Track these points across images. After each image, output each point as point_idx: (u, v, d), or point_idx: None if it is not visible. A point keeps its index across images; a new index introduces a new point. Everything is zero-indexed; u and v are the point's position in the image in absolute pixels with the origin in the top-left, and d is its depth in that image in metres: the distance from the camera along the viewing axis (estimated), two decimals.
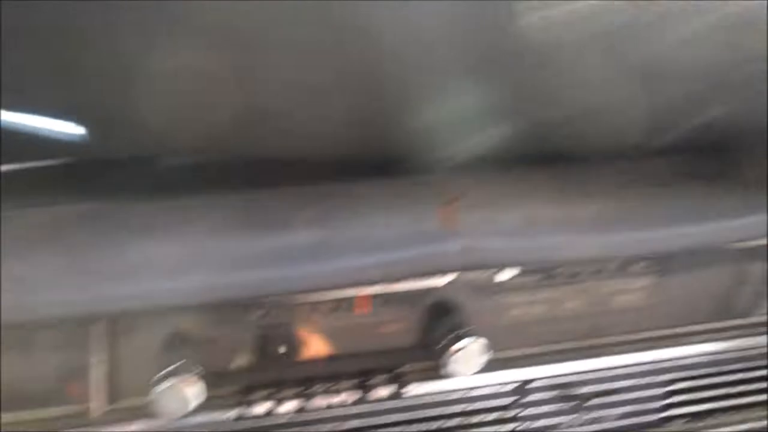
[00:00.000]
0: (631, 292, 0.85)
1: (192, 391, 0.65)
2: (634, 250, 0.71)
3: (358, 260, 0.64)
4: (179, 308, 0.62)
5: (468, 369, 0.73)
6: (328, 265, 0.63)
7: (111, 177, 0.70)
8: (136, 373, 0.69)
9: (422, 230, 0.66)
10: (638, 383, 0.87)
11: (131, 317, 0.68)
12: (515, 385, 0.82)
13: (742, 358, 0.90)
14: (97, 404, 0.70)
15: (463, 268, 0.67)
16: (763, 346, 0.90)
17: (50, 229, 0.62)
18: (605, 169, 0.76)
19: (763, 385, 0.92)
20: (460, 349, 0.72)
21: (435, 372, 0.75)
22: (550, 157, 0.72)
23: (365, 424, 0.76)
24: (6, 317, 0.57)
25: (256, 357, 0.73)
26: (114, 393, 0.71)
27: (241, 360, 0.73)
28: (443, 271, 0.68)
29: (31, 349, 0.69)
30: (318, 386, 0.75)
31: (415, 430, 0.79)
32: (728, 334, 0.89)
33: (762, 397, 0.92)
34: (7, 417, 0.69)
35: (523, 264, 0.70)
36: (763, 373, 0.91)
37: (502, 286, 0.79)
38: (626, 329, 0.85)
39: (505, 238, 0.67)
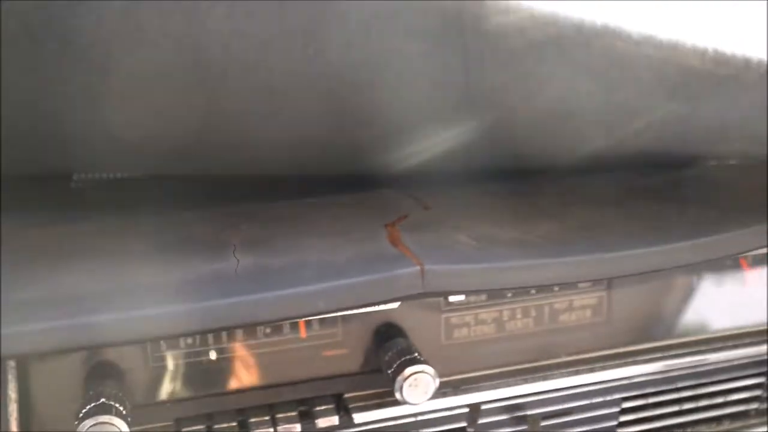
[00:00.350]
0: (578, 309, 0.85)
1: (121, 427, 0.59)
2: (589, 274, 0.68)
3: (302, 288, 0.58)
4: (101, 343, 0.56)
5: (420, 396, 0.70)
6: (267, 294, 0.56)
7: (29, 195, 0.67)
8: (54, 407, 0.65)
9: (375, 253, 0.62)
10: (591, 403, 0.86)
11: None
12: (466, 409, 0.80)
13: (694, 374, 0.90)
14: None
15: (419, 294, 0.61)
16: (712, 363, 0.90)
17: None
18: (557, 186, 0.76)
19: (716, 400, 0.93)
20: (412, 375, 0.69)
21: (383, 399, 0.74)
22: (509, 169, 0.70)
23: None
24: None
25: (186, 387, 0.69)
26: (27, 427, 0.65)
27: (171, 391, 0.68)
28: (397, 298, 0.63)
29: None
30: (256, 417, 0.70)
31: None
32: (680, 351, 0.89)
33: (713, 413, 0.93)
34: None
35: (478, 288, 0.67)
36: (714, 389, 0.92)
37: (448, 306, 0.78)
38: (574, 349, 0.84)
39: (459, 262, 0.63)
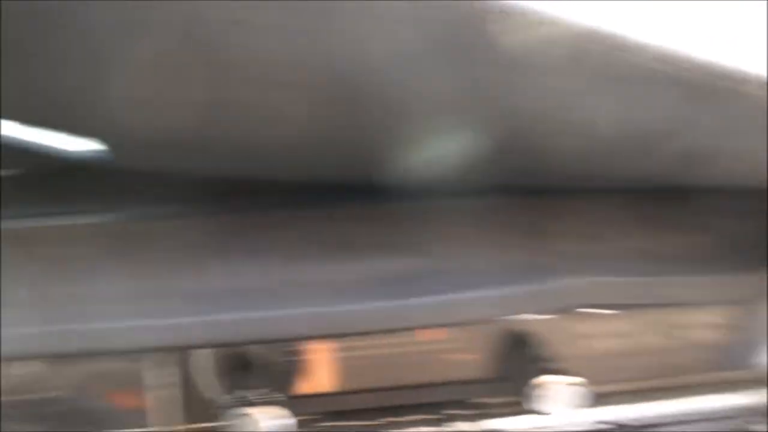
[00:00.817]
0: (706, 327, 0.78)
1: (278, 417, 0.61)
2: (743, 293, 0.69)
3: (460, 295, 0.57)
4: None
5: (553, 405, 0.67)
6: (424, 300, 0.57)
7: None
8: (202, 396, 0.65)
9: (529, 264, 0.62)
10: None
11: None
12: (610, 426, 0.75)
13: None
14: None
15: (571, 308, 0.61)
16: None
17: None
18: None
19: None
20: (552, 384, 0.66)
21: (518, 407, 0.69)
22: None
23: None
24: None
25: (330, 384, 0.68)
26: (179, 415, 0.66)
27: (315, 386, 0.68)
28: (560, 309, 0.63)
29: None
30: (397, 417, 0.69)
31: None
32: None
33: None
34: None
35: (641, 302, 0.66)
36: None
37: (578, 317, 0.72)
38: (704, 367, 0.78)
39: (625, 275, 0.63)
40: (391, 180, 0.56)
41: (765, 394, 0.81)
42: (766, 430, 0.84)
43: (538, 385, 0.66)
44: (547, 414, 0.66)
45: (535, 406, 0.66)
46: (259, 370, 0.65)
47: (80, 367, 0.62)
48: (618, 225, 0.68)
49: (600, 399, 0.73)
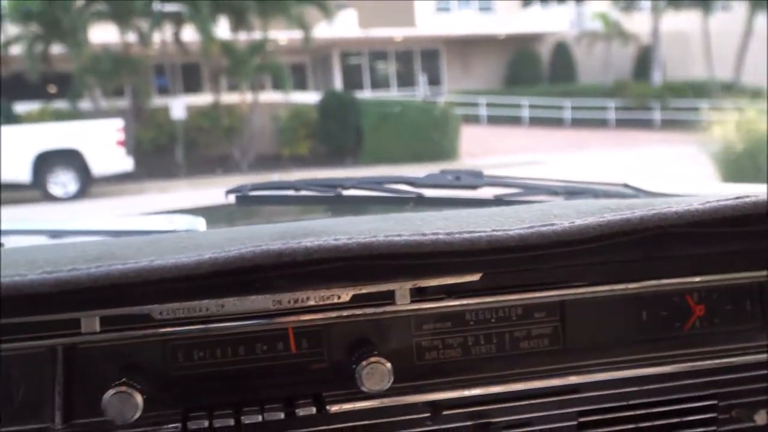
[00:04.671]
0: (535, 338, 0.97)
1: (136, 399, 0.81)
2: None
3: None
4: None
5: (377, 383, 0.86)
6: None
7: None
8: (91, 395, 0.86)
9: None
10: (548, 415, 0.95)
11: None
12: (429, 411, 0.92)
13: (646, 391, 0.97)
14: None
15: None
16: (662, 380, 0.97)
17: None
18: None
19: (672, 419, 0.99)
20: (369, 364, 0.86)
21: (354, 395, 0.89)
22: None
23: None
24: None
25: (193, 382, 0.90)
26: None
27: (180, 383, 0.90)
28: None
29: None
30: (251, 407, 0.88)
31: None
32: (629, 364, 0.97)
33: None
34: None
35: None
36: (668, 408, 0.98)
37: (420, 331, 0.95)
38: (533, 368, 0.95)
39: None
40: None
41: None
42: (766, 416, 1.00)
43: (363, 366, 0.86)
44: (371, 391, 0.86)
45: (362, 383, 0.86)
46: (136, 373, 0.87)
47: None
48: None
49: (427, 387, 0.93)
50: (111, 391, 0.81)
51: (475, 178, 1.68)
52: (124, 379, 0.83)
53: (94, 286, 0.73)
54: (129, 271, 0.73)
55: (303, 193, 1.70)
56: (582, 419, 0.96)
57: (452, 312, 0.95)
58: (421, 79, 19.64)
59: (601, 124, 22.88)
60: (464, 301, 0.94)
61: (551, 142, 19.46)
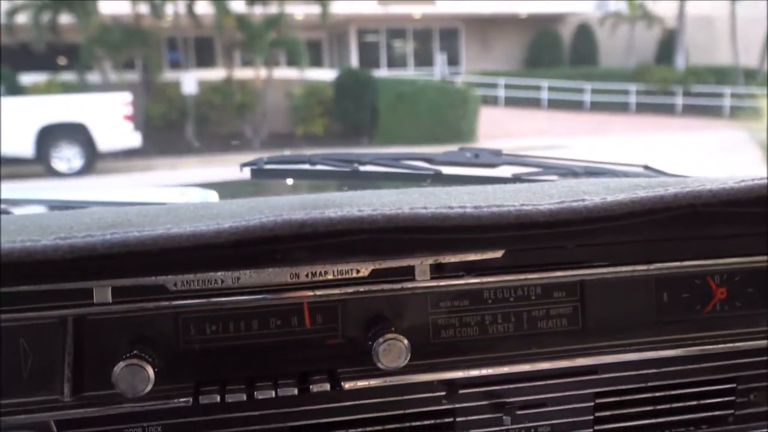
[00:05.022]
0: (553, 318, 0.96)
1: (148, 371, 0.80)
2: None
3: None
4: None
5: (394, 360, 0.85)
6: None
7: None
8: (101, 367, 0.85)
9: None
10: (564, 395, 0.94)
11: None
12: (444, 384, 0.91)
13: (665, 374, 0.97)
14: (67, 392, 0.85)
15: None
16: (679, 363, 0.96)
17: None
18: None
19: (690, 402, 0.98)
20: (386, 341, 0.84)
21: (369, 372, 0.88)
22: None
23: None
24: None
25: (205, 356, 0.89)
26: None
27: (193, 357, 0.89)
28: None
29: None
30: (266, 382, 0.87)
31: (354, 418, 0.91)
32: (647, 346, 0.96)
33: (689, 416, 0.99)
34: None
35: None
36: (686, 390, 0.98)
37: (438, 309, 0.93)
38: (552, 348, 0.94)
39: None
40: None
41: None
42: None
43: (380, 342, 0.85)
44: (389, 368, 0.85)
45: (379, 360, 0.85)
46: (148, 344, 0.86)
47: None
48: None
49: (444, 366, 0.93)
50: (122, 364, 0.80)
51: (494, 157, 1.66)
52: (135, 352, 0.82)
53: (108, 253, 0.71)
54: (146, 239, 0.72)
55: (319, 167, 1.68)
56: (599, 400, 0.96)
57: (470, 290, 0.95)
58: (440, 58, 19.41)
59: (622, 108, 22.45)
60: (483, 279, 0.94)
61: (571, 126, 19.17)
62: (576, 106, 22.45)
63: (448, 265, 0.91)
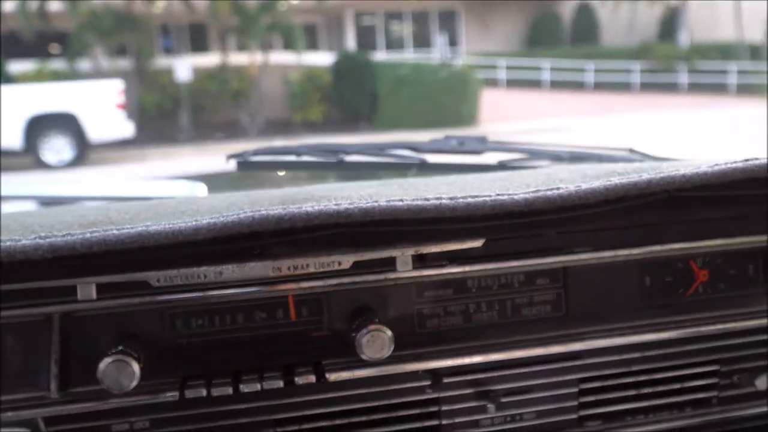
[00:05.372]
0: (537, 305, 0.96)
1: (133, 367, 0.80)
2: None
3: None
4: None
5: (377, 351, 0.85)
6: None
7: None
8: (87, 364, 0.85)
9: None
10: (549, 382, 0.96)
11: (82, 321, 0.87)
12: (429, 374, 0.93)
13: (648, 358, 0.98)
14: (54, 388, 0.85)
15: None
16: (662, 345, 0.97)
17: None
18: None
19: (674, 386, 1.00)
20: (369, 332, 0.84)
21: (353, 362, 0.88)
22: None
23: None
24: None
25: (191, 351, 0.89)
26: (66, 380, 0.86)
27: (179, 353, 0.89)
28: None
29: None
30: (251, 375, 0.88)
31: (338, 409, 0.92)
32: (628, 331, 0.96)
33: (673, 399, 1.00)
34: None
35: None
36: (669, 374, 0.99)
37: (422, 299, 0.94)
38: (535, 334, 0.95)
39: None
40: None
41: None
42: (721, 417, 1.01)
43: (364, 334, 0.85)
44: (372, 359, 0.85)
45: (363, 351, 0.85)
46: (135, 341, 0.86)
47: None
48: None
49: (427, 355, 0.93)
50: (107, 360, 0.80)
51: (479, 144, 1.66)
52: (120, 348, 0.82)
53: (88, 252, 0.73)
54: (125, 237, 0.74)
55: (305, 158, 1.70)
56: (583, 386, 0.97)
57: (454, 279, 0.95)
58: (441, 39, 19.03)
59: (625, 87, 22.07)
60: (466, 268, 0.94)
61: (574, 107, 18.82)
62: (578, 86, 22.08)
63: (430, 255, 0.91)
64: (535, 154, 1.61)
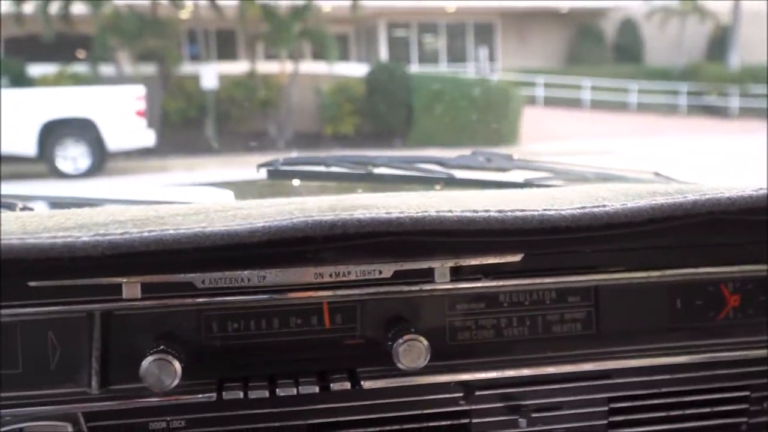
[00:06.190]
0: (568, 322, 0.97)
1: (175, 366, 0.82)
2: None
3: None
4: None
5: (414, 361, 0.86)
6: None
7: None
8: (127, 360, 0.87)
9: None
10: (579, 399, 0.96)
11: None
12: (461, 391, 0.93)
13: (678, 380, 0.98)
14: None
15: None
16: (691, 368, 0.98)
17: None
18: None
19: (703, 409, 1.00)
20: (406, 342, 0.86)
21: (389, 371, 0.90)
22: None
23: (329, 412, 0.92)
24: None
25: (226, 353, 0.91)
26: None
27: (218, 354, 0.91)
28: None
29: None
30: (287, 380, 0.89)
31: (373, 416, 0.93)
32: (659, 352, 0.97)
33: (702, 422, 1.00)
34: None
35: None
36: (699, 397, 0.99)
37: (454, 311, 0.95)
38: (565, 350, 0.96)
39: None
40: None
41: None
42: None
43: (401, 343, 0.86)
44: (409, 368, 0.87)
45: (399, 360, 0.86)
46: (175, 341, 0.87)
47: None
48: None
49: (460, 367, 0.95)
50: (150, 358, 0.82)
51: (507, 161, 1.70)
52: (162, 347, 0.83)
53: (146, 250, 0.75)
54: (181, 237, 0.75)
55: (334, 169, 1.73)
56: (613, 405, 0.97)
57: (487, 293, 0.96)
58: (481, 53, 18.27)
59: (671, 109, 21.09)
60: (500, 283, 0.95)
61: (618, 128, 17.99)
62: (620, 106, 21.11)
63: (465, 268, 0.92)
64: (561, 174, 1.63)
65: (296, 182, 1.92)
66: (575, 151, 13.44)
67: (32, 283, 0.81)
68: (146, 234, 0.74)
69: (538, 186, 1.47)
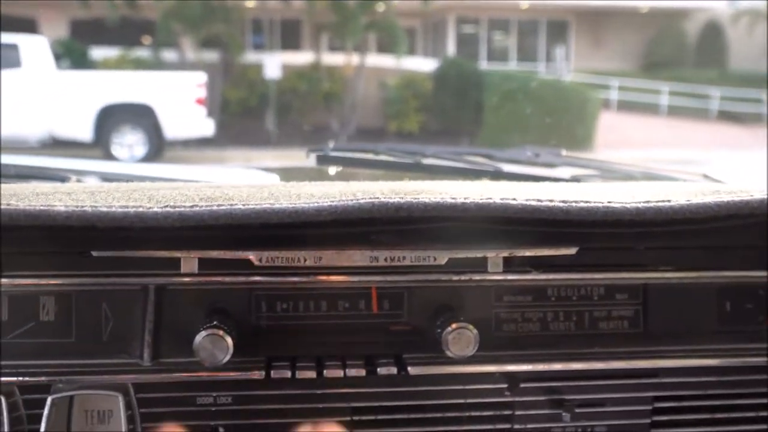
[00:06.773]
0: (615, 319, 0.96)
1: (228, 342, 0.82)
2: None
3: None
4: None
5: (463, 349, 0.86)
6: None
7: None
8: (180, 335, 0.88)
9: None
10: (623, 397, 0.95)
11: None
12: (506, 377, 0.93)
13: (723, 383, 0.96)
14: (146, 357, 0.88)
15: None
16: (738, 370, 0.96)
17: None
18: None
19: (748, 414, 0.98)
20: (455, 330, 0.85)
21: (435, 358, 0.90)
22: None
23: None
24: None
25: (273, 333, 0.91)
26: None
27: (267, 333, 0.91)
28: None
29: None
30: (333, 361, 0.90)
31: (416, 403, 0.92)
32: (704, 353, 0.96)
33: (748, 426, 0.97)
34: None
35: None
36: (745, 401, 0.97)
37: (501, 302, 0.94)
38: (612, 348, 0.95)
39: None
40: None
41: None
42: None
43: (450, 331, 0.85)
44: (457, 356, 0.86)
45: (448, 348, 0.86)
46: (227, 318, 0.88)
47: None
48: None
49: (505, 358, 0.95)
50: (203, 333, 0.82)
51: (555, 157, 1.70)
52: (215, 322, 0.84)
53: (214, 224, 0.76)
54: (251, 212, 0.77)
55: (383, 157, 1.72)
56: (657, 404, 0.96)
57: (535, 286, 0.95)
58: (558, 52, 17.59)
59: (755, 118, 19.89)
60: (549, 276, 0.95)
61: (698, 137, 17.05)
62: (700, 113, 20.06)
63: (515, 260, 0.92)
64: (609, 172, 1.64)
65: (342, 169, 1.90)
66: (655, 159, 12.61)
67: (95, 253, 0.83)
68: (215, 208, 0.76)
69: (586, 182, 1.50)
